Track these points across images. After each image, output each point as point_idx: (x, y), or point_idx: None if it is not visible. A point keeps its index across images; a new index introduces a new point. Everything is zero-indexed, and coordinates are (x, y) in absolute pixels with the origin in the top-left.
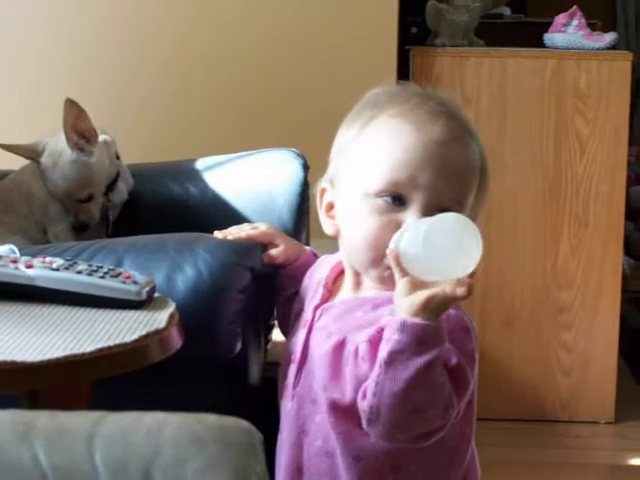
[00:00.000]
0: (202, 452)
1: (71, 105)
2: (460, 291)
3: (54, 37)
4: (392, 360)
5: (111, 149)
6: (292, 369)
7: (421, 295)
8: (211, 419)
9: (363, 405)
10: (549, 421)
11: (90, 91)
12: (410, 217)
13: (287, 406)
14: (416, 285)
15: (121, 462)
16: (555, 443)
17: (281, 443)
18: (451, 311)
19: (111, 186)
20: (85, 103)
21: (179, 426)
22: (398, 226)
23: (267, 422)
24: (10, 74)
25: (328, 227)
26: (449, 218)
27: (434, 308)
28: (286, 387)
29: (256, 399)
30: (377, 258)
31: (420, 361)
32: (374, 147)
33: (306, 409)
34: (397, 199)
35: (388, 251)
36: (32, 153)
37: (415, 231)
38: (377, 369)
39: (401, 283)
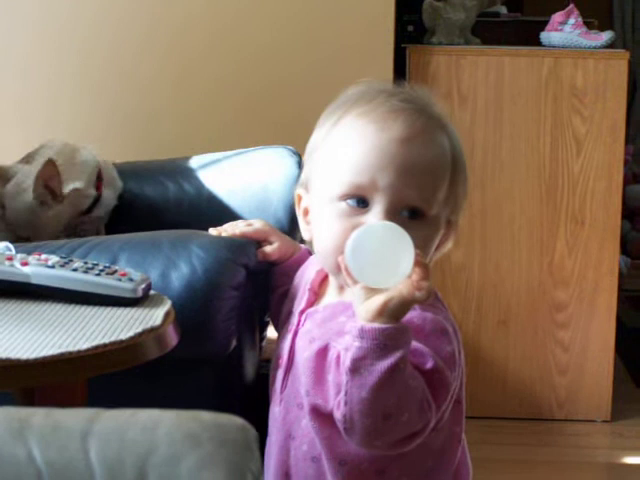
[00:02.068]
0: (197, 449)
1: (50, 165)
2: (419, 295)
3: (48, 32)
4: (356, 367)
5: (81, 195)
6: (280, 373)
7: (377, 300)
8: (206, 416)
9: (338, 415)
10: (545, 420)
11: (85, 89)
12: (372, 219)
13: (275, 410)
14: (371, 290)
15: (116, 459)
16: (551, 442)
17: (269, 447)
18: (428, 314)
19: (88, 210)
20: (80, 102)
21: (174, 423)
22: None
23: (262, 420)
24: (4, 68)
25: (305, 233)
26: (375, 227)
27: (392, 311)
28: (274, 391)
29: (251, 396)
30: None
31: (384, 365)
32: (338, 149)
33: (293, 414)
34: (361, 202)
35: (339, 259)
36: (1, 174)
37: (347, 244)
38: (344, 378)
39: (355, 290)
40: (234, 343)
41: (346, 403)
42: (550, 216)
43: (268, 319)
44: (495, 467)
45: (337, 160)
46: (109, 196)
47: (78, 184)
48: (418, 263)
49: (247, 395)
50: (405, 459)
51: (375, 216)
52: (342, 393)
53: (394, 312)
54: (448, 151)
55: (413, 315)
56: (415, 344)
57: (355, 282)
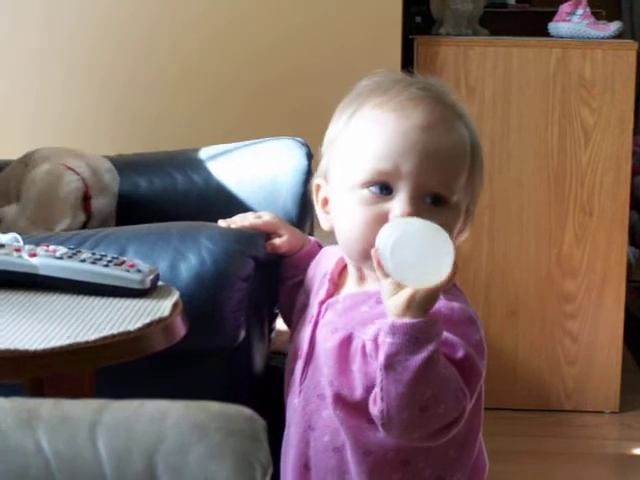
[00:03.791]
0: (205, 439)
1: None
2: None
3: (57, 23)
4: (390, 363)
5: (70, 229)
6: (299, 364)
7: (404, 294)
8: (214, 407)
9: (374, 411)
10: (554, 411)
11: (93, 82)
12: (397, 206)
13: (294, 402)
14: (399, 284)
15: (124, 449)
16: (559, 433)
17: (288, 439)
18: (454, 304)
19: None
20: (89, 95)
21: (182, 414)
22: (386, 216)
23: (273, 411)
24: (14, 70)
25: (324, 222)
26: (416, 227)
27: (420, 304)
28: (293, 382)
29: (260, 388)
30: (369, 250)
31: (418, 359)
32: (359, 138)
33: (313, 404)
34: (384, 188)
35: (372, 252)
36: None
37: (386, 242)
38: (379, 374)
39: (384, 285)
40: (243, 334)
41: (382, 399)
42: (558, 207)
43: (277, 311)
44: (503, 458)
45: (359, 148)
46: (104, 204)
47: (64, 224)
48: None
49: (255, 387)
50: (429, 450)
51: (399, 202)
52: (377, 389)
53: (422, 305)
54: (467, 139)
55: (440, 305)
56: (445, 334)
57: (385, 275)
